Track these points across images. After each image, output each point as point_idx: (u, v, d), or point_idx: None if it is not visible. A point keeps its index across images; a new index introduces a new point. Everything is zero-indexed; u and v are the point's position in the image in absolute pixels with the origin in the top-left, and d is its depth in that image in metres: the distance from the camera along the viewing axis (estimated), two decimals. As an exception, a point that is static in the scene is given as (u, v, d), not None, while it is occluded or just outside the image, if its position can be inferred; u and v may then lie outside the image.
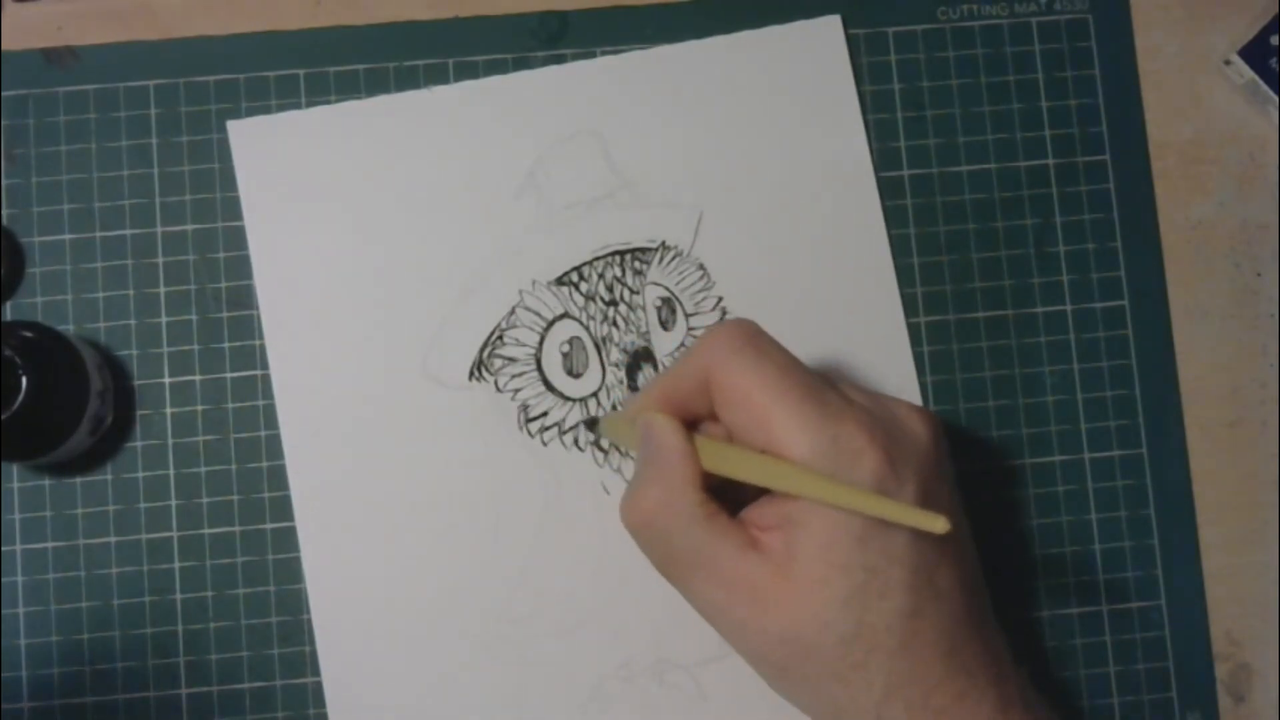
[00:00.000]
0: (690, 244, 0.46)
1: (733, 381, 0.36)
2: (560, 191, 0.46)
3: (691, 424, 0.39)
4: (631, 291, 0.46)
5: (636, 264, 0.46)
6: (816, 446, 0.35)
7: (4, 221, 0.45)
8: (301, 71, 0.46)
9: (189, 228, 0.45)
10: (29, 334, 0.41)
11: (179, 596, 0.44)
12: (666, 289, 0.46)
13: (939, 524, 0.32)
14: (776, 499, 0.37)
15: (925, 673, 0.36)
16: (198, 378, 0.45)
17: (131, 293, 0.45)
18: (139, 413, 0.45)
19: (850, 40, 0.47)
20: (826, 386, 0.37)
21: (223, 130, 0.46)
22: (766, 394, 0.36)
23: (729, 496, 0.38)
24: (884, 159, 0.47)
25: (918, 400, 0.45)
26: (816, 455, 0.35)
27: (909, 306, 0.46)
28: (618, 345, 0.45)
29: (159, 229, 0.45)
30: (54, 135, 0.46)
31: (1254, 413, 0.46)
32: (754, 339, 0.37)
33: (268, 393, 0.45)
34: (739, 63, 0.47)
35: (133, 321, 0.45)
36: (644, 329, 0.45)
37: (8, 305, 0.45)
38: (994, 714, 0.36)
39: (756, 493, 0.37)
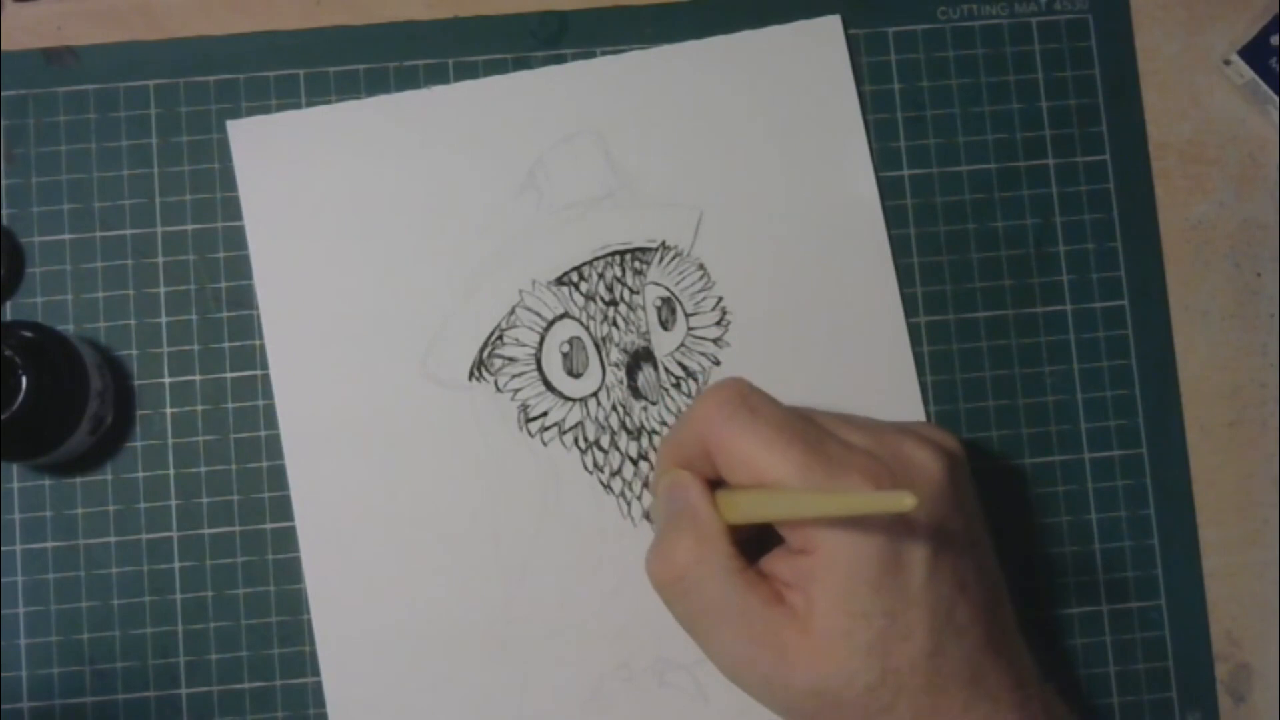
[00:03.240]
0: (690, 244, 0.46)
1: (732, 445, 0.37)
2: (560, 191, 0.46)
3: (713, 484, 0.39)
4: (631, 291, 0.46)
5: (636, 264, 0.46)
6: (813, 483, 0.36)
7: (4, 221, 0.45)
8: (301, 71, 0.46)
9: (189, 228, 0.45)
10: (29, 334, 0.41)
11: (179, 596, 0.44)
12: (666, 289, 0.46)
13: (905, 501, 0.32)
14: (791, 555, 0.37)
15: (949, 705, 0.36)
16: (198, 378, 0.45)
17: (131, 293, 0.45)
18: (139, 413, 0.45)
19: (850, 40, 0.47)
20: (825, 436, 0.37)
21: (223, 130, 0.46)
22: (768, 455, 0.36)
23: (748, 552, 0.38)
24: (884, 159, 0.47)
25: (917, 400, 0.45)
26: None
27: (909, 306, 0.46)
28: (618, 345, 0.45)
29: (159, 229, 0.45)
30: (54, 135, 0.46)
31: (1254, 413, 0.46)
32: (746, 399, 0.37)
33: (268, 393, 0.45)
34: (739, 63, 0.47)
35: (133, 321, 0.45)
36: (644, 329, 0.45)
37: (8, 305, 0.45)
38: None
39: (760, 548, 0.39)
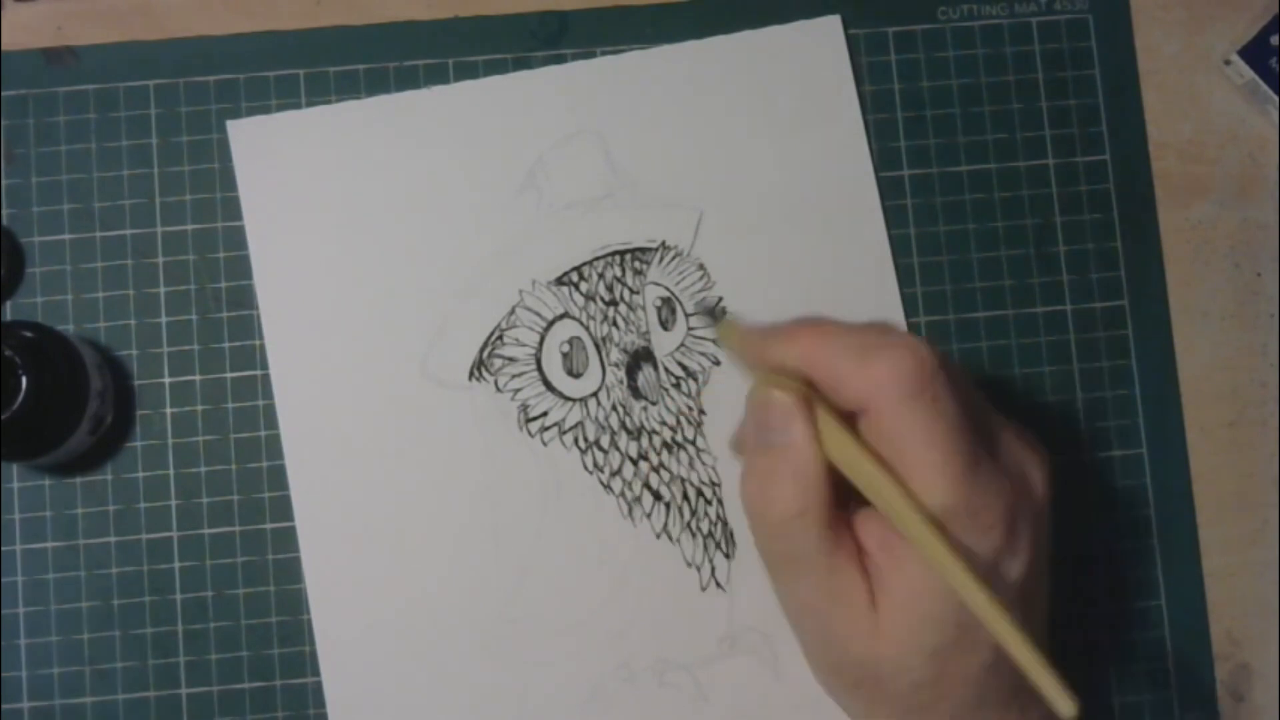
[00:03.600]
0: (690, 244, 0.46)
1: (896, 428, 0.34)
2: (560, 191, 0.46)
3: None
4: (631, 291, 0.46)
5: (636, 264, 0.46)
6: (953, 508, 0.33)
7: (4, 221, 0.45)
8: (301, 71, 0.46)
9: (189, 228, 0.45)
10: (29, 334, 0.41)
11: (179, 596, 0.44)
12: (666, 289, 0.46)
13: (1067, 707, 0.31)
14: (880, 520, 0.35)
15: (985, 715, 0.36)
16: (198, 378, 0.45)
17: (131, 293, 0.45)
18: (139, 413, 0.45)
19: (850, 40, 0.47)
20: (985, 455, 0.34)
21: (223, 130, 0.46)
22: (928, 451, 0.33)
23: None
24: (884, 159, 0.47)
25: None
26: (948, 515, 0.33)
27: (909, 306, 0.46)
28: (618, 345, 0.45)
29: (159, 229, 0.45)
30: (54, 135, 0.46)
31: (1254, 413, 0.46)
32: (931, 384, 0.33)
33: (268, 393, 0.45)
34: (739, 63, 0.47)
35: (133, 321, 0.45)
36: (644, 329, 0.45)
37: (8, 305, 0.45)
38: None
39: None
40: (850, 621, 0.35)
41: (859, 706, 0.37)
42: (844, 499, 0.36)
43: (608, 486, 0.45)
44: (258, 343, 0.45)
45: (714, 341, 0.45)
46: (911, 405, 0.33)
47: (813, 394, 0.35)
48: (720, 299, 0.44)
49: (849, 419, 0.35)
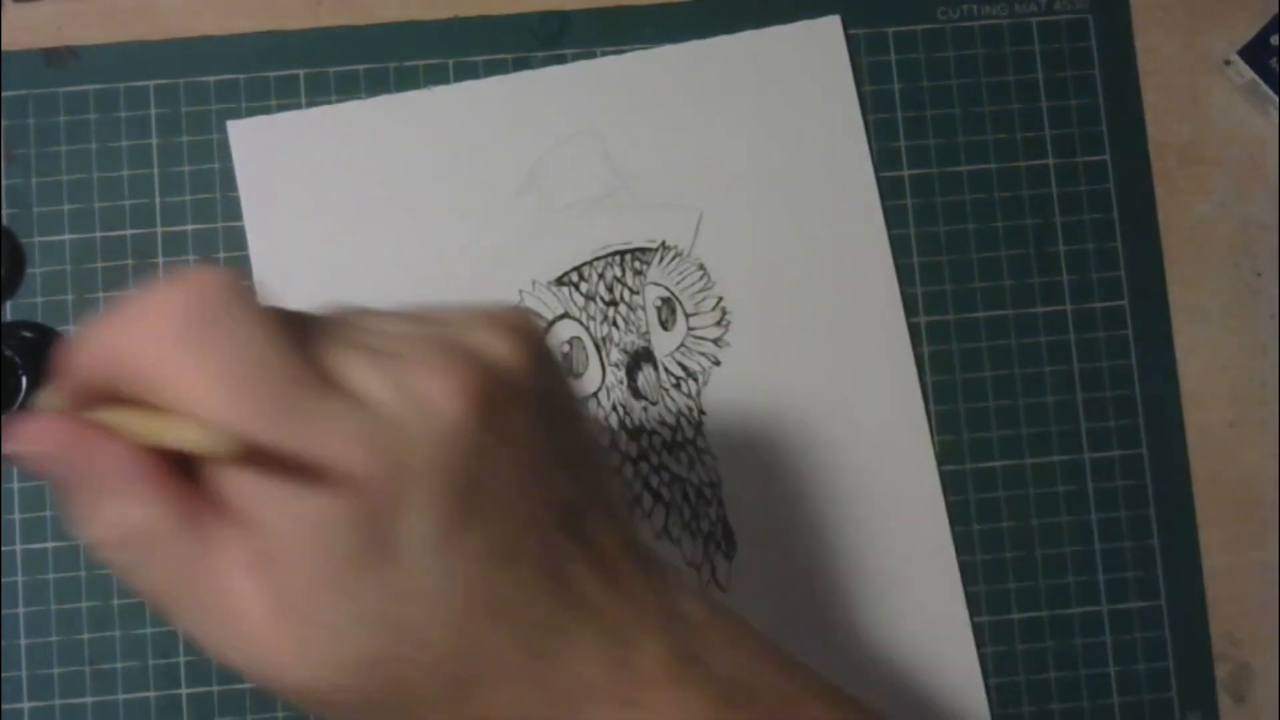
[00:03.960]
0: (690, 244, 0.46)
1: (170, 379, 0.25)
2: (560, 191, 0.46)
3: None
4: (631, 291, 0.46)
5: (636, 264, 0.46)
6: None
7: (4, 221, 0.45)
8: (301, 71, 0.46)
9: (189, 228, 0.45)
10: (29, 334, 0.41)
11: (179, 596, 0.44)
12: (666, 289, 0.46)
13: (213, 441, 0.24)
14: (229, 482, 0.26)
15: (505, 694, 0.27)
16: (198, 378, 0.45)
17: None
18: (139, 413, 0.45)
19: (850, 40, 0.47)
20: (307, 381, 0.26)
21: (223, 130, 0.46)
22: (216, 401, 0.25)
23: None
24: (884, 159, 0.47)
25: (917, 399, 0.45)
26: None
27: (909, 306, 0.46)
28: (618, 345, 0.45)
29: (159, 229, 0.45)
30: (54, 135, 0.46)
31: (1254, 413, 0.46)
32: (203, 321, 0.25)
33: (268, 393, 0.45)
34: (739, 63, 0.47)
35: (133, 321, 0.45)
36: (644, 329, 0.45)
37: (8, 305, 0.45)
38: None
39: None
40: (258, 646, 0.26)
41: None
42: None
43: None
44: (258, 343, 0.45)
45: (715, 342, 0.45)
46: (182, 353, 0.25)
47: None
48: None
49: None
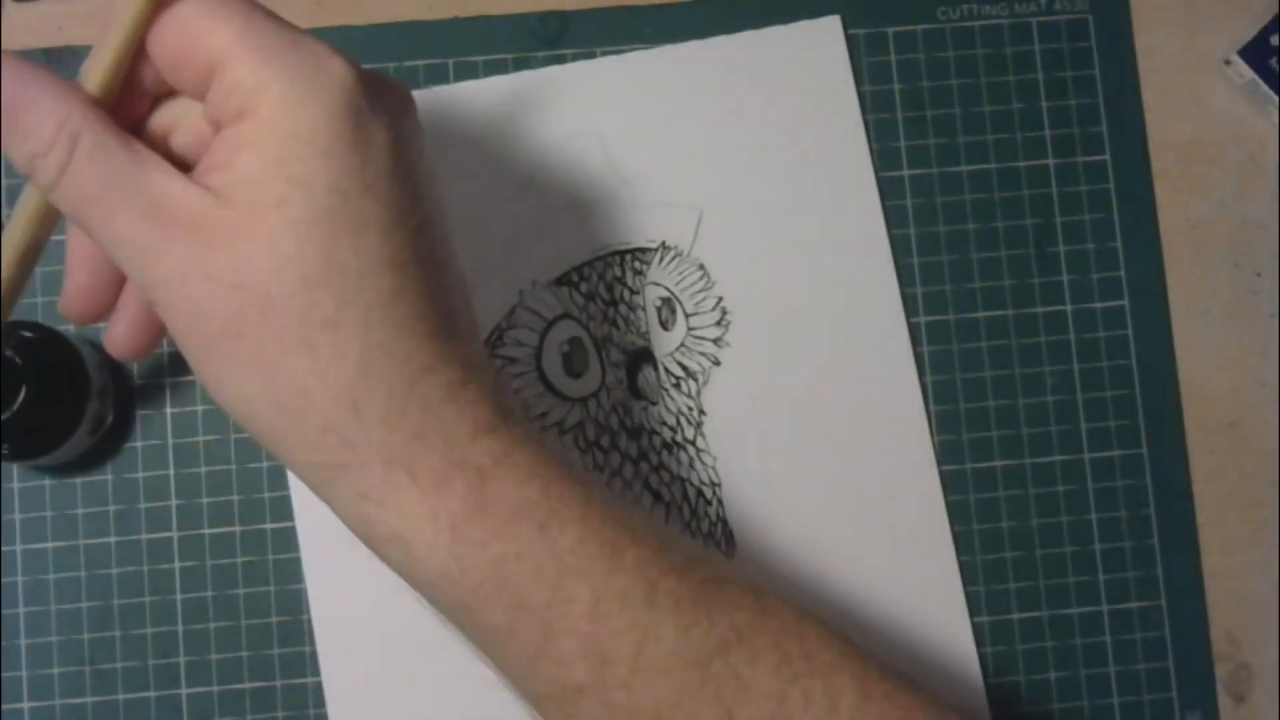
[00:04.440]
0: (690, 244, 0.46)
1: (187, 26, 0.29)
2: (560, 191, 0.46)
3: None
4: (631, 291, 0.46)
5: (636, 264, 0.46)
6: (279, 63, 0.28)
7: (4, 221, 0.45)
8: (301, 71, 0.46)
9: (189, 228, 0.45)
10: (29, 334, 0.41)
11: (179, 596, 0.44)
12: (666, 289, 0.46)
13: None
14: (223, 132, 0.29)
15: (412, 351, 0.29)
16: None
17: (131, 293, 0.45)
18: (139, 413, 0.45)
19: (850, 40, 0.47)
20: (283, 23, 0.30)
21: (223, 130, 0.46)
22: (227, 37, 0.28)
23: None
24: (884, 159, 0.47)
25: (917, 400, 0.45)
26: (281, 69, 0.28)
27: (909, 306, 0.46)
28: (617, 345, 0.45)
29: (159, 229, 0.45)
30: (54, 135, 0.45)
31: (1254, 413, 0.46)
32: None
33: (268, 393, 0.45)
34: (739, 63, 0.47)
35: (133, 321, 0.45)
36: (644, 329, 0.45)
37: (8, 305, 0.45)
38: (493, 418, 0.30)
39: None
40: (200, 238, 0.28)
41: (252, 367, 0.29)
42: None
43: (608, 486, 0.45)
44: (258, 343, 0.45)
45: (715, 342, 0.45)
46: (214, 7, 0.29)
47: None
48: None
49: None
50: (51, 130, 0.29)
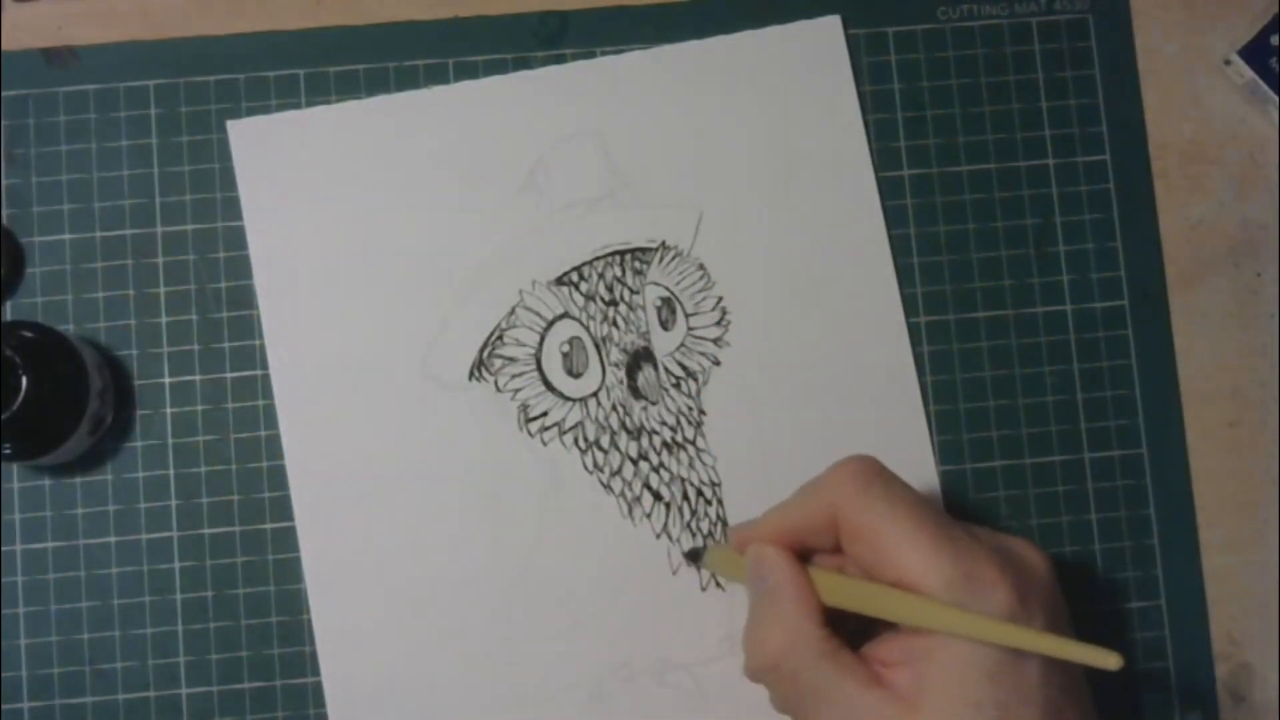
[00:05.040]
0: (690, 244, 0.46)
1: (862, 519, 0.37)
2: (560, 191, 0.46)
3: (803, 556, 0.39)
4: (631, 291, 0.46)
5: (636, 264, 0.46)
6: (950, 581, 0.35)
7: (4, 221, 0.45)
8: (301, 71, 0.46)
9: (189, 228, 0.45)
10: (29, 334, 0.41)
11: (179, 596, 0.44)
12: (666, 289, 0.46)
13: (1111, 660, 0.32)
14: (901, 634, 0.37)
15: None
16: (198, 378, 0.45)
17: (131, 293, 0.45)
18: (139, 413, 0.45)
19: (850, 40, 0.47)
20: (953, 523, 0.37)
21: (223, 130, 0.46)
22: (898, 531, 0.36)
23: (847, 629, 0.38)
24: (884, 159, 0.47)
25: (917, 400, 0.45)
26: (951, 590, 0.35)
27: (909, 306, 0.46)
28: (618, 345, 0.45)
29: (159, 229, 0.45)
30: (54, 135, 0.46)
31: (1254, 413, 0.46)
32: (881, 475, 0.38)
33: (268, 393, 0.45)
34: (739, 63, 0.47)
35: (133, 321, 0.45)
36: (644, 329, 0.45)
37: (8, 305, 0.45)
38: None
39: (873, 626, 0.38)
40: None
41: None
42: (855, 637, 0.38)
43: (608, 486, 0.45)
44: (258, 343, 0.45)
45: (715, 342, 0.45)
46: (868, 493, 0.37)
47: (797, 556, 0.39)
48: (703, 547, 0.44)
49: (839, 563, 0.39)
50: (783, 640, 0.37)
